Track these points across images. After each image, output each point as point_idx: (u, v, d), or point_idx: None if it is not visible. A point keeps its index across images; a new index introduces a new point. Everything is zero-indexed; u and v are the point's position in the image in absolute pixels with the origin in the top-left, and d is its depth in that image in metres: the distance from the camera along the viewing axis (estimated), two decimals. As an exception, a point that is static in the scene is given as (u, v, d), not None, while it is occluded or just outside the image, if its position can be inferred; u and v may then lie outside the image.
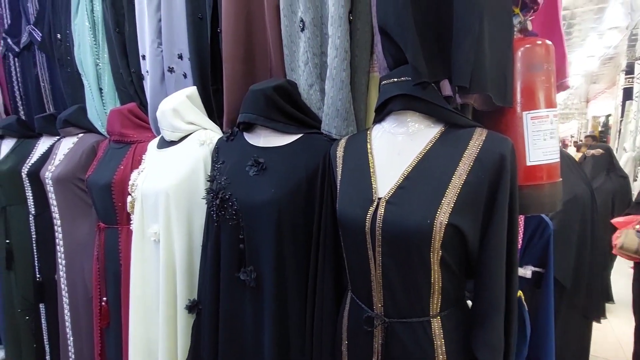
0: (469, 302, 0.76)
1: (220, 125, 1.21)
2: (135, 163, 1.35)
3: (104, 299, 1.48)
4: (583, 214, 1.71)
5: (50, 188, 1.61)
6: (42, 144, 1.86)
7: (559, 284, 1.47)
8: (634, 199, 2.32)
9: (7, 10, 2.06)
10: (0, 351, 2.04)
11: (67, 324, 1.65)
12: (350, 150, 0.83)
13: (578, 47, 7.34)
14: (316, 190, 0.89)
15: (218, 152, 1.06)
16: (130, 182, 1.25)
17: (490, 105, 0.76)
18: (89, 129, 1.65)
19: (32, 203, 1.79)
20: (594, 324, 1.80)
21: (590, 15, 5.73)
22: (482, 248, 0.68)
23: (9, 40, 2.03)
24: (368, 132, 0.83)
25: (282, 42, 1.01)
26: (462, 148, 0.68)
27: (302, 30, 0.96)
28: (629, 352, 2.02)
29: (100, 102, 1.62)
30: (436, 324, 0.69)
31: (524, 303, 0.95)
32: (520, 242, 1.16)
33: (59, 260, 1.67)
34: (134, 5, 1.35)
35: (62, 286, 1.68)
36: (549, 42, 0.80)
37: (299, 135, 0.95)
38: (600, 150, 2.78)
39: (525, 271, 1.21)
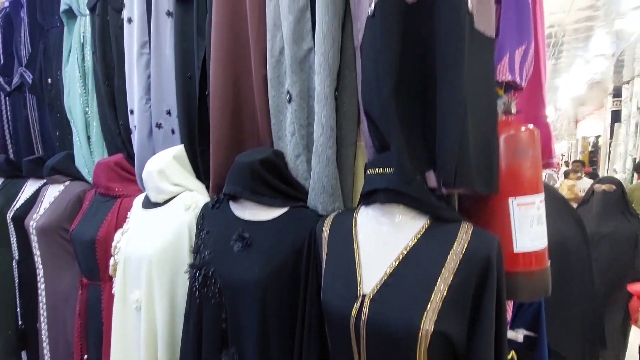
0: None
1: (208, 185, 1.19)
2: (120, 219, 1.33)
3: (85, 356, 1.42)
4: (579, 268, 1.61)
5: (34, 237, 1.58)
6: (29, 188, 1.83)
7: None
8: None
9: (0, 50, 2.06)
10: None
11: (48, 378, 1.59)
12: (336, 233, 0.82)
13: (565, 72, 7.52)
14: (302, 266, 0.87)
15: (203, 219, 1.04)
16: (113, 244, 1.23)
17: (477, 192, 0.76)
18: (76, 176, 1.62)
19: (16, 248, 1.75)
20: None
21: (577, 44, 5.89)
22: (469, 349, 0.66)
23: (0, 79, 2.02)
24: (355, 214, 0.82)
25: (270, 111, 1.01)
26: (448, 247, 0.67)
27: (289, 101, 0.96)
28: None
29: (88, 150, 1.60)
30: None
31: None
32: (511, 308, 1.14)
33: (41, 310, 1.62)
34: (124, 59, 1.36)
35: (44, 337, 1.62)
36: (533, 128, 0.80)
37: (285, 209, 0.93)
38: (613, 186, 2.31)
39: (517, 335, 1.19)
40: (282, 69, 0.97)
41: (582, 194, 4.17)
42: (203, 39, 1.14)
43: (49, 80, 1.77)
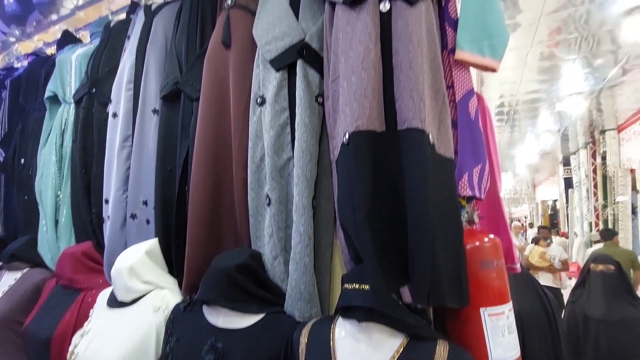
0: None
1: (180, 282, 1.15)
2: (82, 316, 1.23)
3: None
4: (541, 344, 1.61)
5: (-21, 332, 1.41)
6: (-20, 272, 1.68)
7: None
8: None
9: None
10: None
11: None
12: (314, 345, 0.80)
13: (519, 144, 8.29)
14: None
15: (173, 324, 0.99)
16: (70, 348, 1.12)
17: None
18: (37, 263, 1.52)
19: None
20: None
21: (527, 120, 6.61)
22: None
23: (-29, 153, 1.97)
24: (332, 326, 0.81)
25: (249, 212, 1.04)
26: (425, 369, 0.67)
27: (269, 205, 1.00)
28: None
29: (54, 235, 1.53)
30: None
31: None
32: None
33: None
34: (104, 150, 1.38)
35: None
36: (495, 238, 0.87)
37: (261, 315, 0.91)
38: (611, 267, 2.20)
39: None
40: (262, 174, 1.02)
41: (554, 261, 4.27)
42: (187, 138, 1.19)
43: (22, 160, 1.74)
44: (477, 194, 0.89)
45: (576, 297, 2.32)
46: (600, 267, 2.24)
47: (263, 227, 1.02)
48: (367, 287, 0.73)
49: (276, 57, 1.01)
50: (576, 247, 7.90)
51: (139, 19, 1.43)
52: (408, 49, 0.79)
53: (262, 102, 1.03)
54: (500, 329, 0.81)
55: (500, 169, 1.05)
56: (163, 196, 1.24)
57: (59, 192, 1.55)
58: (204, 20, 1.25)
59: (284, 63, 1.00)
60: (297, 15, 1.02)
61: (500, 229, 0.98)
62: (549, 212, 11.88)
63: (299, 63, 0.99)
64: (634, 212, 6.27)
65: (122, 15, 1.67)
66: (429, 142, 0.77)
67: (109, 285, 1.24)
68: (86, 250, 1.35)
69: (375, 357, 0.72)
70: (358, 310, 0.73)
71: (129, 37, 1.45)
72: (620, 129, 7.02)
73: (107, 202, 1.34)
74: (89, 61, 1.53)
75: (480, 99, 1.02)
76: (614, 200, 6.78)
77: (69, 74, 1.59)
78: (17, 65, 2.13)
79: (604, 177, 7.46)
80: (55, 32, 2.24)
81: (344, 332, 0.79)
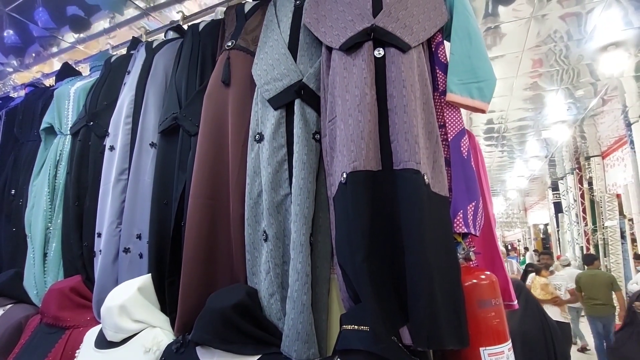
0: None
1: (173, 320, 1.12)
2: (66, 357, 1.17)
3: None
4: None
5: (-47, 376, 1.33)
6: (-41, 308, 1.60)
7: None
8: None
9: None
10: None
11: None
12: (312, 390, 0.78)
13: (509, 169, 8.48)
14: None
15: (165, 366, 0.96)
16: (53, 394, 1.06)
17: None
18: (21, 299, 1.47)
19: None
20: None
21: (516, 146, 6.80)
22: None
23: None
24: (330, 369, 0.79)
25: (245, 247, 1.03)
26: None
27: (266, 240, 0.99)
28: None
29: (42, 268, 1.49)
30: None
31: None
32: None
33: None
34: (99, 182, 1.37)
35: None
36: (492, 276, 0.87)
37: (257, 358, 0.89)
38: None
39: None
40: (259, 210, 1.02)
41: (558, 292, 3.91)
42: (184, 172, 1.20)
43: (13, 191, 1.71)
44: (473, 231, 0.90)
45: (624, 340, 2.18)
46: None
47: (260, 263, 1.01)
48: (366, 328, 0.72)
49: (275, 96, 1.04)
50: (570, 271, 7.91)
51: (140, 55, 1.47)
52: (402, 93, 0.82)
53: (260, 139, 1.05)
54: (500, 370, 0.80)
55: (492, 207, 1.07)
56: (158, 229, 1.23)
57: (49, 225, 1.53)
58: (204, 58, 1.29)
59: (283, 102, 1.03)
60: (294, 57, 1.06)
61: (495, 265, 0.99)
62: (541, 235, 11.97)
63: (297, 102, 1.02)
64: (622, 236, 6.36)
65: (123, 50, 1.72)
66: (424, 182, 0.79)
67: (98, 322, 1.20)
68: (74, 286, 1.31)
69: (375, 403, 0.70)
70: (358, 353, 0.72)
71: (129, 72, 1.48)
72: (604, 155, 7.26)
73: (99, 235, 1.31)
74: (88, 94, 1.55)
75: (471, 136, 1.05)
76: (603, 225, 6.88)
77: (67, 106, 1.61)
78: (13, 94, 2.14)
79: (592, 202, 7.61)
80: (53, 64, 2.28)
81: (343, 376, 0.77)
